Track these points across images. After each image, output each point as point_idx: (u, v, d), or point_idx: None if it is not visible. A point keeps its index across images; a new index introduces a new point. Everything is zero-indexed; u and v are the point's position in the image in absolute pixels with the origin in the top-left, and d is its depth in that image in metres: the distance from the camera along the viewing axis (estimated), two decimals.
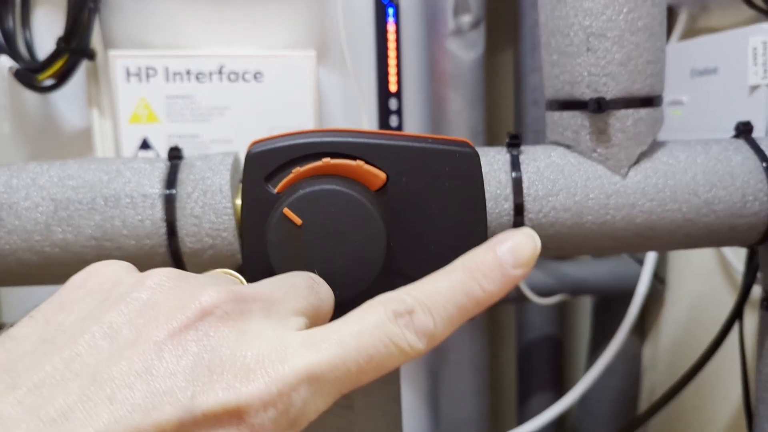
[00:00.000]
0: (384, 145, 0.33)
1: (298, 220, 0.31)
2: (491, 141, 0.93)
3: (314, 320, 0.27)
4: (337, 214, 0.31)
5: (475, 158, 0.34)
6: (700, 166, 0.42)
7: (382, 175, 0.33)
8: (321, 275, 0.31)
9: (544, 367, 1.01)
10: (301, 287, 0.27)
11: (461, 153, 0.33)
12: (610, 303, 0.92)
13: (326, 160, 0.32)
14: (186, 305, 0.24)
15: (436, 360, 0.88)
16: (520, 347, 1.02)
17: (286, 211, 0.31)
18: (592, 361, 0.94)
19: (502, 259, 0.27)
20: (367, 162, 0.33)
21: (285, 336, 0.24)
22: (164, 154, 0.66)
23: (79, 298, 0.25)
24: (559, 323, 1.01)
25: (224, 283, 0.26)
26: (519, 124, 0.92)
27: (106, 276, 0.26)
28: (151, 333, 0.23)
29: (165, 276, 0.25)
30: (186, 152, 0.44)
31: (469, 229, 0.34)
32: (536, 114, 0.89)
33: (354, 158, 0.32)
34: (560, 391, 1.02)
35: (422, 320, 0.25)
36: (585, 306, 1.05)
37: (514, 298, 0.86)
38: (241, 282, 0.29)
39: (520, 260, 0.27)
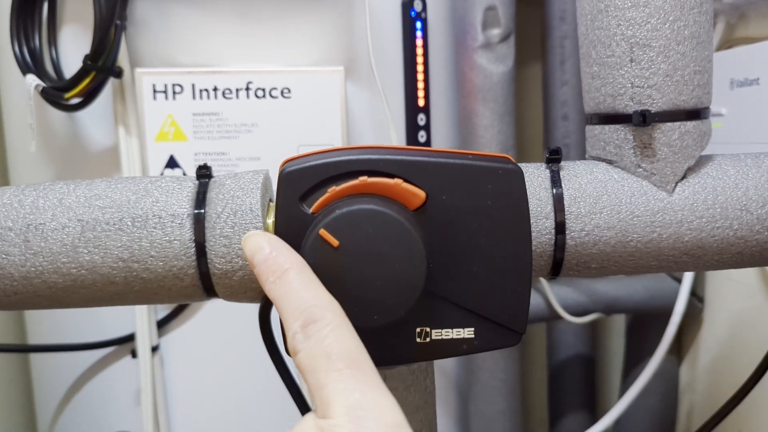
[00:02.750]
0: (423, 162, 0.32)
1: (334, 242, 0.30)
2: (520, 156, 0.92)
3: None
4: (375, 235, 0.30)
5: (519, 175, 0.32)
6: (751, 180, 0.40)
7: (422, 194, 0.31)
8: (359, 298, 0.30)
9: (576, 387, 0.98)
10: None
11: (504, 170, 0.32)
12: (645, 321, 0.89)
13: (363, 178, 0.31)
14: None
15: (466, 381, 0.86)
16: (551, 367, 0.99)
17: (323, 232, 0.30)
18: (626, 382, 0.92)
19: None
20: (405, 180, 0.31)
21: None
22: (191, 172, 0.66)
23: None
24: (590, 342, 0.98)
25: None
26: (548, 138, 0.90)
27: None
28: None
29: None
30: (214, 170, 0.43)
31: (513, 249, 0.33)
32: (566, 128, 0.88)
33: (392, 176, 0.31)
34: (593, 411, 0.99)
35: None
36: (618, 324, 1.02)
37: (546, 317, 0.84)
38: None
39: None
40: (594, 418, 0.97)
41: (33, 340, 0.81)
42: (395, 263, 0.30)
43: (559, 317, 0.83)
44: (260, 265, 0.31)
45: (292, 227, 0.32)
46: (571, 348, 0.97)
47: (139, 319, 0.69)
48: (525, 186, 0.32)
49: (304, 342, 0.27)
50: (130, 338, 0.70)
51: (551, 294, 0.82)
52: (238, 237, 0.39)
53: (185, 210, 0.39)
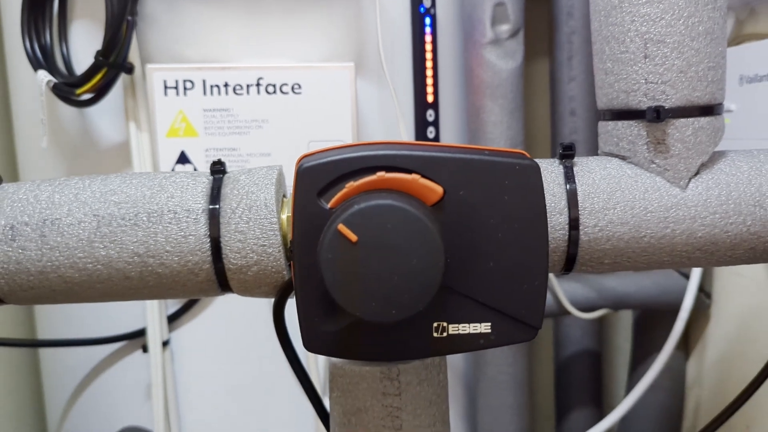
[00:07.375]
0: (441, 157, 0.32)
1: (353, 237, 0.30)
2: (528, 151, 0.91)
3: None
4: (393, 230, 0.30)
5: (536, 170, 0.32)
6: (765, 176, 0.40)
7: (439, 189, 0.31)
8: (377, 293, 0.30)
9: (582, 382, 0.98)
10: None
11: (521, 165, 0.32)
12: (652, 317, 0.89)
13: (381, 174, 0.31)
14: None
15: (474, 375, 0.86)
16: (557, 362, 0.99)
17: (341, 227, 0.30)
18: (633, 377, 0.92)
19: None
20: (423, 175, 0.31)
21: None
22: (201, 167, 0.66)
23: None
24: (597, 337, 0.98)
25: None
26: (556, 134, 0.90)
27: None
28: None
29: None
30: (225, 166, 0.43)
31: (529, 244, 0.33)
32: (574, 124, 0.88)
33: (410, 172, 0.31)
34: (600, 407, 0.99)
35: None
36: (625, 319, 1.02)
37: (554, 313, 0.84)
38: None
39: None
40: (601, 414, 0.98)
41: (43, 334, 0.81)
42: (413, 258, 0.30)
43: (566, 312, 0.83)
44: None
45: (309, 222, 0.32)
46: (578, 343, 0.97)
47: (149, 313, 0.69)
48: (542, 181, 0.32)
49: None
50: (140, 333, 0.71)
51: (559, 289, 0.82)
52: (253, 232, 0.39)
53: (200, 205, 0.40)
